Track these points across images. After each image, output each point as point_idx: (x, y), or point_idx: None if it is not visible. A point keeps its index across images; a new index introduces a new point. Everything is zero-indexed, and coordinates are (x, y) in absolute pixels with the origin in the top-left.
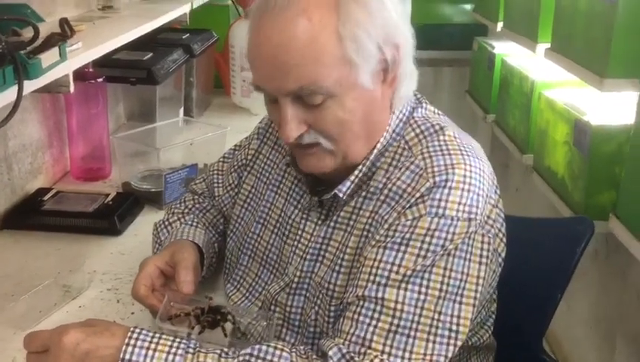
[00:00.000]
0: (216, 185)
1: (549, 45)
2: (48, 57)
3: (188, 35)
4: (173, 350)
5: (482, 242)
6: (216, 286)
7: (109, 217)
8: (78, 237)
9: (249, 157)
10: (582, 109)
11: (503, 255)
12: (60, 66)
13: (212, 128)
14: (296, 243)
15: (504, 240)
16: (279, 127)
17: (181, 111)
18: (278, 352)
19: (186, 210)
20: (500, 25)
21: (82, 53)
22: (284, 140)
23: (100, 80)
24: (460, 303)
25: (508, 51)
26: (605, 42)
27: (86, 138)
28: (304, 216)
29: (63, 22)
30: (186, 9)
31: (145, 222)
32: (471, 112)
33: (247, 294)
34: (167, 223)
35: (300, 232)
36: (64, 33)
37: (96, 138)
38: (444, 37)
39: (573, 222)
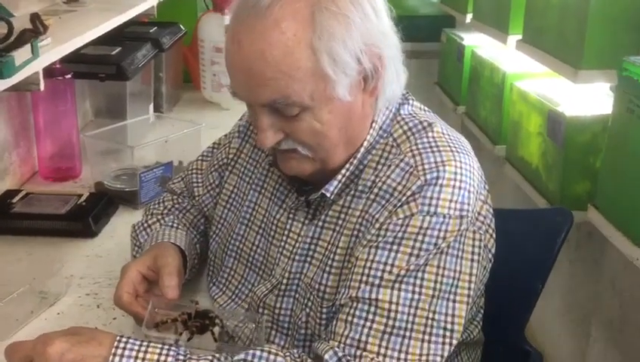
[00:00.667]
0: (195, 184)
1: (520, 37)
2: (21, 55)
3: (155, 28)
4: (163, 358)
5: (474, 239)
6: (198, 288)
7: (84, 219)
8: (51, 240)
9: (230, 156)
10: (555, 100)
11: (493, 250)
12: (32, 64)
13: (186, 124)
14: (283, 243)
15: (494, 235)
16: (257, 133)
17: (151, 107)
18: (272, 357)
19: (166, 211)
20: (469, 16)
21: (52, 49)
22: (260, 146)
23: (68, 76)
24: (454, 301)
25: (477, 43)
26: (579, 34)
27: (54, 137)
28: (290, 215)
29: (35, 17)
30: (153, 2)
31: (120, 223)
32: (440, 104)
33: (233, 296)
34: (146, 225)
35: (286, 232)
36: (36, 29)
37: (65, 136)
38: (411, 29)
39: (552, 213)
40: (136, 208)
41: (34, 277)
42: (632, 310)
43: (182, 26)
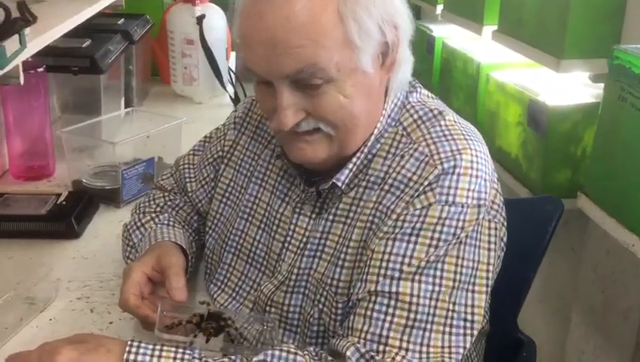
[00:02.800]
0: (188, 179)
1: (495, 27)
2: (9, 45)
3: (123, 20)
4: None
5: (489, 228)
6: (194, 287)
7: (66, 219)
8: (32, 242)
9: (226, 148)
10: (534, 90)
11: (505, 239)
12: (20, 55)
13: (163, 119)
14: (288, 238)
15: (505, 224)
16: (273, 113)
17: (122, 101)
18: (292, 357)
19: (158, 209)
20: (439, 8)
21: (32, 40)
22: (279, 127)
23: (40, 70)
24: (473, 292)
25: (447, 34)
26: (561, 23)
27: (26, 133)
28: (296, 209)
29: (22, 5)
30: None
31: (103, 222)
32: None
33: (233, 294)
34: (139, 224)
35: (292, 227)
36: (25, 18)
37: (38, 133)
38: None
39: (542, 202)
40: (118, 206)
41: (18, 282)
42: (616, 295)
43: (149, 18)
